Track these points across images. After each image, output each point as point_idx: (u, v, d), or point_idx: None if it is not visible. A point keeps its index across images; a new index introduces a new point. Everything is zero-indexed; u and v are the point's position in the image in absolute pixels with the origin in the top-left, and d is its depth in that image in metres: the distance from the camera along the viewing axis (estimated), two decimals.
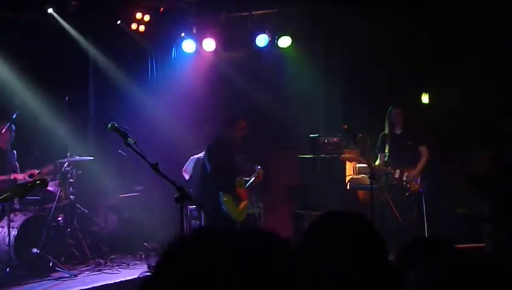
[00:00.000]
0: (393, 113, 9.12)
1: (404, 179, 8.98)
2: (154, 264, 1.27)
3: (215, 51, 11.07)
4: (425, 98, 10.84)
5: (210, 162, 8.16)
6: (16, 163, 8.88)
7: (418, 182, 9.01)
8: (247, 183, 8.42)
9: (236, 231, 1.32)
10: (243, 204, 8.27)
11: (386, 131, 9.20)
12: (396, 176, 8.98)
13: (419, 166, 9.05)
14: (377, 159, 9.15)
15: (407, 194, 8.93)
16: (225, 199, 8.06)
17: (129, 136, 5.42)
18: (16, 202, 8.29)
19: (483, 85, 9.43)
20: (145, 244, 9.34)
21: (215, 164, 8.13)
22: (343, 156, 9.18)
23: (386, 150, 9.12)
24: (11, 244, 7.69)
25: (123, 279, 7.90)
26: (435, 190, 9.29)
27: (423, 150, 9.15)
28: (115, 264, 8.74)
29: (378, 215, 8.56)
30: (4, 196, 5.36)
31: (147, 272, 1.28)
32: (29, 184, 4.80)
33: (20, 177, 8.65)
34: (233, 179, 8.23)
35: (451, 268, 1.99)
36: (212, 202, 8.05)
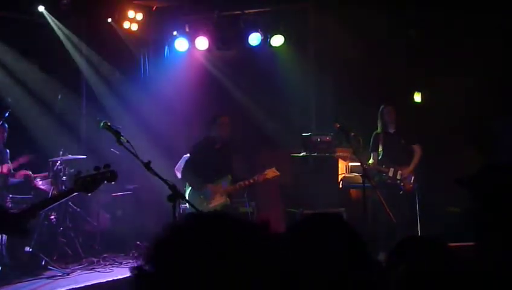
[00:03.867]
0: (385, 111, 9.14)
1: (398, 177, 9.00)
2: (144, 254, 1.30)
3: (208, 49, 11.06)
4: (417, 97, 10.85)
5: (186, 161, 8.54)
6: (9, 162, 8.87)
7: (411, 181, 9.05)
8: (225, 181, 8.37)
9: (227, 220, 1.35)
10: (214, 202, 8.23)
11: (379, 130, 9.22)
12: (390, 174, 9.01)
13: (412, 164, 9.08)
14: (370, 158, 9.16)
15: (400, 192, 8.96)
16: (190, 193, 8.24)
17: (122, 134, 5.41)
18: (8, 200, 8.28)
19: (476, 84, 9.45)
20: (138, 243, 9.34)
21: (186, 163, 8.50)
22: (336, 154, 9.20)
23: (380, 149, 9.14)
24: (3, 243, 7.67)
25: (115, 278, 7.89)
26: (428, 189, 9.32)
27: (416, 148, 9.18)
28: (108, 263, 8.73)
29: (371, 214, 8.58)
30: (63, 192, 5.23)
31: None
32: (98, 176, 4.63)
33: (5, 170, 8.59)
34: (205, 177, 8.23)
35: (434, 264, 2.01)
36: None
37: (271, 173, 8.44)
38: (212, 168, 8.29)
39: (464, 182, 2.71)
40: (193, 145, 8.58)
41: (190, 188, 8.31)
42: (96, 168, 4.65)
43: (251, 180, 8.33)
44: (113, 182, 4.75)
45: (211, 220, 1.36)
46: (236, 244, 1.27)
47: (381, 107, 9.19)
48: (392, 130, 9.18)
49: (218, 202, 8.23)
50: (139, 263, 1.29)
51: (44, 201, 4.96)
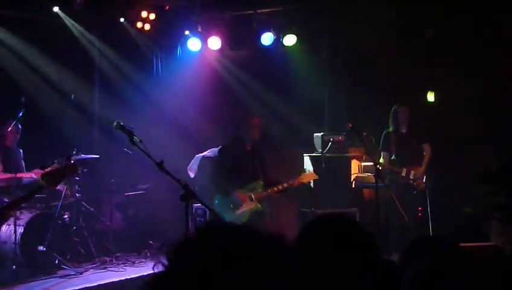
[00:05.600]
0: (399, 111, 9.12)
1: (411, 177, 8.99)
2: (160, 262, 1.31)
3: (221, 49, 11.06)
4: (430, 97, 10.81)
5: (214, 164, 8.16)
6: (22, 162, 8.92)
7: (424, 181, 9.03)
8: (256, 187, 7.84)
9: (241, 229, 1.36)
10: (243, 208, 7.70)
11: (391, 129, 9.20)
12: (403, 174, 9.00)
13: (424, 164, 9.09)
14: (380, 157, 9.14)
15: (414, 192, 8.95)
16: (217, 201, 7.76)
17: (134, 134, 5.43)
18: None
19: (488, 84, 9.41)
20: (150, 242, 9.37)
21: (214, 167, 8.16)
22: (348, 154, 9.18)
23: (391, 149, 9.12)
24: (17, 242, 7.71)
25: (128, 277, 7.93)
26: (440, 189, 9.29)
27: (426, 147, 9.17)
28: (120, 262, 8.76)
29: (383, 214, 8.56)
30: (32, 189, 5.24)
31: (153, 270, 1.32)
32: (58, 171, 4.64)
33: (26, 176, 8.67)
34: (235, 181, 7.76)
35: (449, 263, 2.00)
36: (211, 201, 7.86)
37: (308, 176, 8.12)
38: (243, 172, 7.80)
39: (486, 178, 2.70)
40: (222, 147, 8.12)
41: (218, 193, 7.81)
42: (59, 161, 4.68)
43: (285, 185, 7.79)
44: (74, 174, 4.78)
45: (225, 231, 1.36)
46: (248, 257, 1.28)
47: (395, 107, 9.17)
48: (404, 130, 9.16)
49: (247, 207, 7.69)
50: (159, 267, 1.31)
51: (13, 201, 4.92)
